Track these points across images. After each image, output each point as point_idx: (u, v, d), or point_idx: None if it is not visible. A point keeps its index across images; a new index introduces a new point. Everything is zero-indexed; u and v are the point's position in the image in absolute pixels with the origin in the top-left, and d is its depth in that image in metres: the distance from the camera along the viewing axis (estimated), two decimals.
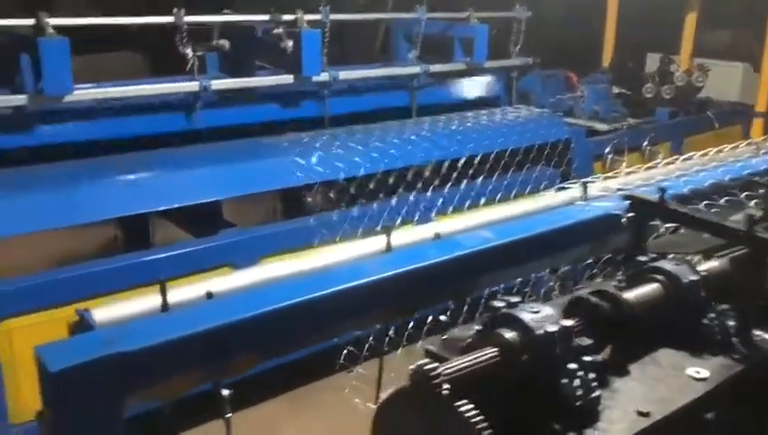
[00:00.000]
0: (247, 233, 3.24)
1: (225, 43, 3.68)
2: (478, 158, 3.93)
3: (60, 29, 2.94)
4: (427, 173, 3.72)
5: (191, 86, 3.31)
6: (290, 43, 3.57)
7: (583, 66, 5.74)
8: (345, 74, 3.80)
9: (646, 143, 4.86)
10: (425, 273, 1.65)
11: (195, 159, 3.27)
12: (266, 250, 3.28)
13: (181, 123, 3.44)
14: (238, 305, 1.44)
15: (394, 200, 3.66)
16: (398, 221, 3.70)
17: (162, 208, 3.03)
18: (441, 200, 3.82)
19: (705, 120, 5.36)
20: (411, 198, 3.72)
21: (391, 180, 3.59)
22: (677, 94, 5.07)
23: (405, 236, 1.85)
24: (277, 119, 3.76)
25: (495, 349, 1.25)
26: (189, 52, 3.32)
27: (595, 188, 2.31)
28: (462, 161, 3.88)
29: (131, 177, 3.01)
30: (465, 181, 3.91)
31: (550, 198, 2.25)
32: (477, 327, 1.40)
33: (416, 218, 3.74)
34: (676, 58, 5.78)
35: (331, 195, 3.39)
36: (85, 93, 3.00)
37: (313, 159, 3.39)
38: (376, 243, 1.81)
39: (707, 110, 5.31)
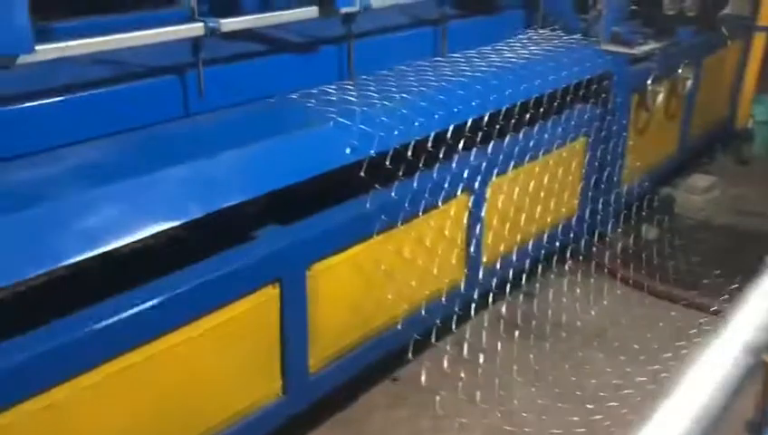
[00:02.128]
0: (291, 235, 2.36)
1: None
2: (521, 102, 3.21)
3: None
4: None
5: (192, 29, 2.30)
6: None
7: None
8: (378, 2, 2.85)
9: (681, 69, 4.28)
10: None
11: (199, 144, 2.32)
12: (316, 255, 2.43)
13: (177, 91, 2.43)
14: None
15: (454, 164, 2.88)
16: (460, 190, 2.96)
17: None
18: (487, 161, 3.08)
19: (719, 38, 4.84)
20: (472, 159, 2.96)
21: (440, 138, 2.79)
22: (701, 11, 4.48)
23: None
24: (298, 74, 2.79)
25: None
26: None
27: None
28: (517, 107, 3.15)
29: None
30: (511, 133, 3.20)
31: None
32: None
33: (460, 185, 3.00)
34: None
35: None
36: (48, 50, 1.95)
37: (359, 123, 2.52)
38: None
39: (722, 26, 4.77)
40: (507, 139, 3.13)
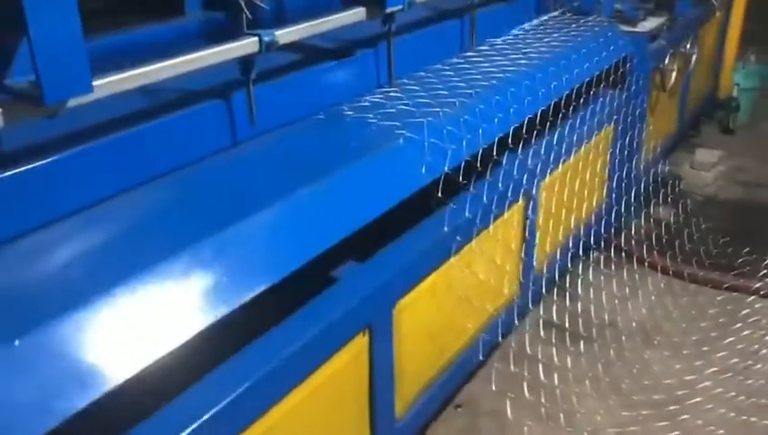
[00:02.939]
0: (375, 273, 2.06)
1: None
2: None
3: None
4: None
5: (247, 45, 1.95)
6: None
7: None
8: None
9: (689, 45, 4.16)
10: None
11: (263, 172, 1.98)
12: (401, 291, 2.14)
13: (223, 118, 2.09)
14: None
15: (515, 169, 2.63)
16: (520, 197, 2.73)
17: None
18: (541, 161, 2.85)
19: (709, 8, 4.75)
20: (529, 161, 2.72)
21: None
22: None
23: None
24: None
25: None
26: None
27: None
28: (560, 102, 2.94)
29: None
30: (558, 128, 2.98)
31: None
32: None
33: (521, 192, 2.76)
34: None
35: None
36: (105, 85, 1.58)
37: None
38: None
39: None
40: (556, 135, 2.91)
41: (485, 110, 2.51)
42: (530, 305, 3.02)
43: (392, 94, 2.53)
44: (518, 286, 2.94)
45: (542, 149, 2.82)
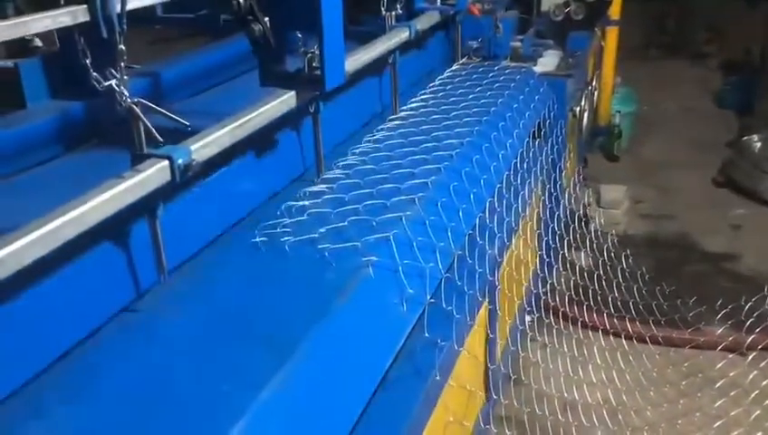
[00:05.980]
0: None
1: None
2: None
3: None
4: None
5: (155, 174, 1.30)
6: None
7: None
8: (351, 65, 1.99)
9: (594, 80, 3.91)
10: None
11: None
12: None
13: (121, 269, 1.42)
14: None
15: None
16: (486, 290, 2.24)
17: None
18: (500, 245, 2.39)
19: (593, 38, 4.58)
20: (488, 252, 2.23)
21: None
22: (588, 13, 4.15)
23: None
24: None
25: None
26: None
27: None
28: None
29: None
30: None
31: None
32: None
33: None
34: None
35: None
36: None
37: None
38: None
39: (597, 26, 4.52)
40: (513, 209, 2.45)
41: (447, 202, 2.01)
42: (492, 414, 2.54)
43: (329, 196, 1.94)
44: (484, 399, 2.45)
45: (504, 229, 2.34)
